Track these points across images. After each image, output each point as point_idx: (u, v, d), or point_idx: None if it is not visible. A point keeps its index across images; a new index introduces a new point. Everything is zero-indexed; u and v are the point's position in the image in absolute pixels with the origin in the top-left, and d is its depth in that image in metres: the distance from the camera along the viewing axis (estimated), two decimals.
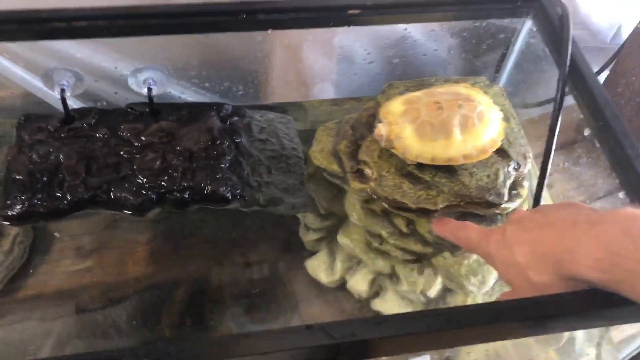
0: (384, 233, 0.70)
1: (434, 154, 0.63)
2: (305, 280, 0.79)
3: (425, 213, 0.65)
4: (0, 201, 0.62)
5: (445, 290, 0.74)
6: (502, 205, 0.65)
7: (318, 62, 0.77)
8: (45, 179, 0.63)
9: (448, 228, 0.62)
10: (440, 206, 0.64)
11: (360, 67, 0.76)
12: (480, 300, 0.73)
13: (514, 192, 0.68)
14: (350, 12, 0.63)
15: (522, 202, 0.69)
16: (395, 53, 0.74)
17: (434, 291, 0.72)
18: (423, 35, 0.73)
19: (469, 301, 0.72)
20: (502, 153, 0.68)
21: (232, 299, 0.77)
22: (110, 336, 0.73)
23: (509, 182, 0.66)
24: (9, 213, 0.61)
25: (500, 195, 0.65)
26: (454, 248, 0.70)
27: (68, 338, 0.72)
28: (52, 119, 0.68)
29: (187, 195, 0.64)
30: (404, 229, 0.69)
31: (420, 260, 0.71)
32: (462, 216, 0.67)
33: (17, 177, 0.62)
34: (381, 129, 0.64)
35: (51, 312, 0.74)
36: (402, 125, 0.63)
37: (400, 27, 0.70)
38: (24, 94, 0.73)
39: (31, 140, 0.66)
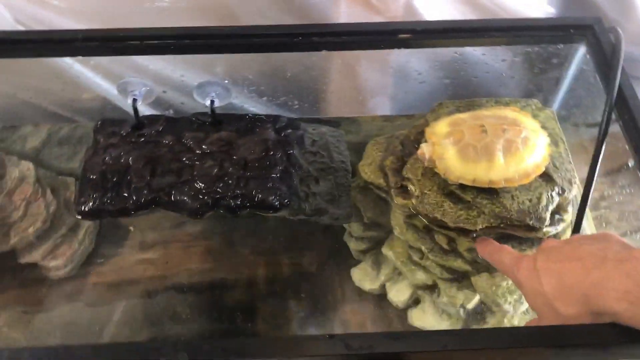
0: (424, 248, 0.72)
1: (475, 175, 0.65)
2: (350, 287, 0.82)
3: (465, 233, 0.67)
4: (75, 198, 0.69)
5: (486, 310, 0.76)
6: (544, 230, 0.66)
7: (373, 78, 0.80)
8: (115, 179, 0.70)
9: (487, 250, 0.64)
10: (480, 227, 0.65)
11: (413, 85, 0.79)
12: (517, 319, 0.74)
13: (557, 216, 0.68)
14: (401, 36, 0.66)
15: (565, 227, 0.70)
16: (445, 74, 0.76)
17: (472, 304, 0.74)
18: (474, 57, 0.74)
19: (506, 321, 0.74)
20: (546, 177, 0.68)
21: (279, 299, 0.82)
22: (166, 324, 0.80)
23: (551, 207, 0.67)
24: (82, 209, 0.68)
25: (541, 219, 0.66)
26: (492, 268, 0.71)
27: (129, 323, 0.79)
28: (125, 124, 0.75)
29: (239, 202, 0.69)
30: (445, 246, 0.71)
31: (458, 279, 0.73)
32: (502, 238, 0.68)
33: (91, 176, 0.70)
34: (424, 149, 0.66)
35: (115, 298, 0.81)
36: (445, 146, 0.65)
37: (451, 50, 0.72)
38: (103, 100, 0.80)
39: (105, 143, 0.73)
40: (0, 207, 0.75)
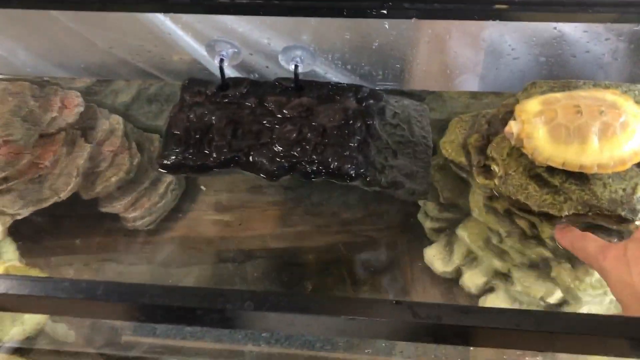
0: (502, 232, 0.69)
1: (565, 158, 0.61)
2: (420, 266, 0.80)
3: (549, 218, 0.64)
4: (159, 152, 0.71)
5: (563, 302, 0.72)
6: (637, 222, 0.61)
7: (463, 53, 0.76)
8: (197, 136, 0.71)
9: (568, 237, 0.60)
10: (566, 213, 0.62)
11: (505, 62, 0.75)
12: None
13: None
14: (498, 6, 0.63)
15: None
16: (542, 51, 0.72)
17: (554, 299, 0.70)
18: (575, 35, 0.69)
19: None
20: None
21: (348, 271, 0.81)
22: (234, 283, 0.81)
23: None
24: (165, 162, 0.70)
25: (634, 211, 0.61)
26: (575, 259, 0.67)
27: (199, 279, 0.81)
28: (211, 84, 0.76)
29: (314, 168, 0.68)
30: (527, 231, 0.68)
31: (537, 266, 0.69)
32: (589, 228, 0.64)
33: (175, 132, 0.71)
34: (512, 127, 0.63)
35: (191, 255, 0.84)
36: (535, 125, 0.62)
37: (550, 25, 0.68)
38: (192, 60, 0.82)
39: (191, 101, 0.74)
40: (90, 157, 0.78)
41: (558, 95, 0.64)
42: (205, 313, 0.45)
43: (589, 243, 0.56)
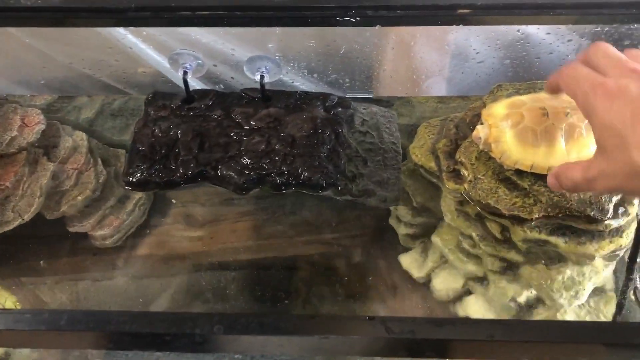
0: (475, 236, 0.69)
1: (534, 161, 0.61)
2: (396, 272, 0.80)
3: (519, 221, 0.64)
4: (124, 168, 0.70)
5: (538, 301, 0.72)
6: (605, 222, 0.62)
7: (429, 57, 0.76)
8: (163, 151, 0.70)
9: (555, 75, 0.52)
10: (536, 216, 0.62)
11: (470, 66, 0.75)
12: (570, 314, 0.70)
13: (621, 209, 0.64)
14: (460, 11, 0.63)
15: (630, 221, 0.65)
16: (506, 54, 0.72)
17: (523, 298, 0.71)
18: (538, 37, 0.70)
19: (559, 316, 0.70)
20: None
21: (322, 280, 0.81)
22: (209, 299, 0.80)
23: (615, 199, 0.62)
24: (130, 179, 0.68)
25: (603, 211, 0.61)
26: (548, 261, 0.67)
27: (172, 296, 0.80)
28: (176, 97, 0.75)
29: (284, 179, 0.67)
30: (498, 235, 0.68)
31: (511, 269, 0.70)
32: (559, 229, 0.64)
33: (140, 147, 0.70)
34: (480, 131, 0.63)
35: (161, 271, 0.82)
36: (502, 129, 0.62)
37: (513, 28, 0.68)
38: (155, 73, 0.81)
39: (156, 115, 0.73)
40: (54, 175, 0.76)
41: (524, 98, 0.64)
42: (175, 338, 0.44)
43: (580, 73, 0.47)
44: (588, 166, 0.47)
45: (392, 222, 0.82)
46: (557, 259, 0.67)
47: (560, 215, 0.62)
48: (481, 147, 0.64)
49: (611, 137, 0.43)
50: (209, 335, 0.44)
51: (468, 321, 0.44)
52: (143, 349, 0.48)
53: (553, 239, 0.64)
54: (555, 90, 0.54)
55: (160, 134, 0.71)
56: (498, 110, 0.63)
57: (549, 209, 0.62)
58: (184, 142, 0.70)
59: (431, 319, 0.44)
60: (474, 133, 0.64)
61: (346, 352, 0.45)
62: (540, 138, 0.60)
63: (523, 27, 0.68)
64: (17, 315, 0.44)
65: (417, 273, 0.78)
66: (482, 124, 0.65)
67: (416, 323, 0.44)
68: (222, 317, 0.44)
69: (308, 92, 0.76)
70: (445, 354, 0.44)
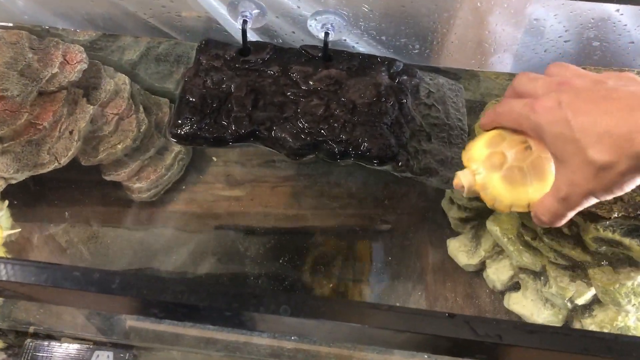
0: (539, 229, 0.64)
1: (528, 200, 0.53)
2: (442, 257, 0.76)
3: (593, 218, 0.59)
4: (171, 119, 0.65)
5: (594, 302, 0.68)
6: None
7: (505, 30, 0.70)
8: (214, 105, 0.65)
9: (489, 113, 0.53)
10: (615, 215, 0.57)
11: (552, 44, 0.69)
12: (632, 320, 0.66)
13: None
14: None
15: None
16: (596, 35, 0.66)
17: (582, 300, 0.66)
18: (637, 20, 0.63)
19: (620, 319, 0.66)
20: None
21: (362, 257, 0.77)
22: (240, 261, 0.76)
23: None
24: (178, 132, 0.63)
25: None
26: (616, 262, 0.63)
27: (201, 254, 0.76)
28: (230, 48, 0.69)
29: (342, 148, 0.63)
30: (565, 230, 0.63)
31: (573, 268, 0.65)
32: (636, 230, 0.59)
33: (191, 99, 0.65)
34: (462, 179, 0.54)
35: (194, 228, 0.78)
36: (487, 175, 0.53)
37: (611, 7, 0.62)
38: (208, 19, 0.75)
39: (208, 65, 0.68)
40: (92, 119, 0.72)
41: (502, 132, 0.57)
42: (235, 315, 0.40)
43: (513, 103, 0.49)
44: (556, 188, 0.47)
45: (444, 203, 0.77)
46: (628, 262, 0.62)
47: None
48: (465, 195, 0.57)
49: (564, 146, 0.44)
50: (271, 316, 0.40)
51: (562, 331, 0.39)
52: (198, 322, 0.44)
53: (627, 241, 0.59)
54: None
55: (212, 86, 0.66)
56: (478, 153, 0.54)
57: (630, 209, 0.57)
58: (237, 97, 0.65)
59: (520, 324, 0.40)
60: (455, 181, 0.55)
61: (423, 349, 0.41)
62: (529, 174, 0.52)
63: (624, 7, 0.62)
64: (65, 272, 0.40)
65: (465, 260, 0.74)
66: (462, 170, 0.57)
67: (502, 327, 0.39)
68: (288, 298, 0.40)
69: (373, 55, 0.70)
70: None
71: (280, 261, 0.75)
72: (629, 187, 0.44)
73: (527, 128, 0.48)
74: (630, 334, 0.65)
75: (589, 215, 0.59)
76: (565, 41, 0.68)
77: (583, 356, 0.38)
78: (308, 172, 0.82)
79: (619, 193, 0.44)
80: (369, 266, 0.76)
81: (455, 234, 0.77)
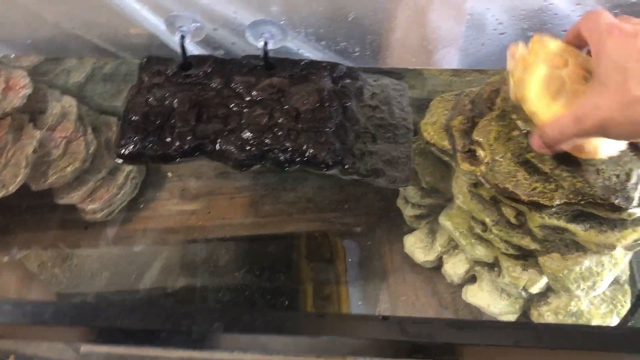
0: (488, 221, 0.65)
1: (549, 114, 0.53)
2: (400, 255, 0.76)
3: (538, 207, 0.60)
4: (116, 139, 0.65)
5: (548, 289, 0.69)
6: (630, 211, 0.58)
7: (445, 26, 0.71)
8: (158, 122, 0.65)
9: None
10: (557, 202, 0.58)
11: (490, 37, 0.70)
12: (585, 304, 0.67)
13: None
14: None
15: None
16: (531, 25, 0.67)
17: (536, 288, 0.67)
18: (568, 7, 0.64)
19: (573, 304, 0.67)
20: (639, 152, 0.60)
21: (322, 260, 0.77)
22: (200, 276, 0.76)
23: None
24: (123, 152, 0.64)
25: (628, 199, 0.57)
26: (565, 249, 0.64)
27: (167, 273, 0.76)
28: (172, 63, 0.69)
29: (288, 156, 0.63)
30: (512, 220, 0.64)
31: (524, 257, 0.66)
32: (581, 216, 0.60)
33: (134, 117, 0.65)
34: (520, 48, 0.56)
35: (151, 245, 0.78)
36: (537, 65, 0.54)
37: None
38: (150, 35, 0.75)
39: (150, 82, 0.68)
40: (40, 144, 0.71)
41: (580, 52, 0.56)
42: (170, 335, 0.40)
43: (605, 15, 0.48)
44: (580, 105, 0.48)
45: (399, 202, 0.78)
46: (575, 247, 0.63)
47: (582, 202, 0.58)
48: (508, 66, 0.57)
49: (614, 73, 0.45)
50: (207, 333, 0.40)
51: (491, 324, 0.40)
52: (136, 345, 0.44)
53: (572, 227, 0.60)
54: (573, 38, 0.53)
55: (154, 103, 0.66)
56: (551, 45, 0.54)
57: (571, 196, 0.58)
58: (180, 112, 0.65)
59: (451, 320, 0.40)
60: (512, 48, 0.56)
61: (356, 354, 0.42)
62: (566, 95, 0.53)
63: None
64: None
65: (422, 257, 0.74)
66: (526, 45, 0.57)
67: (434, 325, 0.40)
68: (222, 314, 0.40)
69: (314, 60, 0.71)
70: (462, 358, 0.41)
71: (240, 271, 0.75)
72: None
73: (594, 43, 0.48)
74: (583, 318, 0.66)
75: (533, 204, 0.60)
76: (500, 33, 0.69)
77: (513, 348, 0.39)
78: (264, 180, 0.82)
79: (626, 137, 0.46)
80: (329, 269, 0.77)
81: (412, 231, 0.78)
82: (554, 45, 0.54)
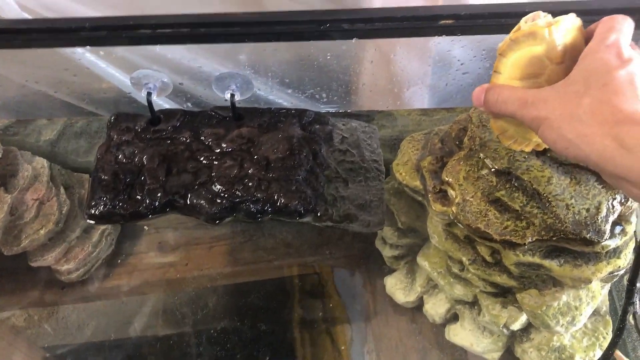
0: (465, 260, 0.65)
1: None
2: (383, 296, 0.76)
3: (511, 246, 0.60)
4: (86, 199, 0.64)
5: (530, 325, 0.68)
6: (603, 243, 0.58)
7: (410, 68, 0.72)
8: (128, 180, 0.64)
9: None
10: (529, 240, 0.58)
11: (454, 76, 0.71)
12: (567, 339, 0.67)
13: (618, 227, 0.60)
14: (443, 22, 0.58)
15: (628, 240, 0.61)
16: (493, 64, 0.67)
17: (517, 325, 0.67)
18: None
19: (555, 339, 0.66)
20: (607, 184, 0.60)
21: (304, 306, 0.76)
22: (181, 328, 0.75)
23: (612, 218, 0.59)
24: (93, 212, 0.63)
25: (600, 232, 0.57)
26: (542, 284, 0.64)
27: (148, 328, 0.75)
28: (140, 119, 0.69)
29: (260, 207, 0.63)
30: (488, 258, 0.64)
31: (503, 294, 0.66)
32: (554, 251, 0.60)
33: (103, 177, 0.64)
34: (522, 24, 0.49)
35: (136, 302, 0.77)
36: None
37: (500, 37, 0.63)
38: (119, 91, 0.75)
39: (119, 140, 0.68)
40: (12, 208, 0.71)
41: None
42: None
43: (615, 33, 0.45)
44: (534, 92, 0.46)
45: (377, 243, 0.77)
46: (552, 283, 0.63)
47: (554, 238, 0.58)
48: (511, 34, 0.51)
49: (580, 82, 0.43)
50: None
51: None
52: None
53: (547, 263, 0.60)
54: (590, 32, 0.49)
55: (124, 161, 0.66)
56: (565, 37, 0.49)
57: (543, 232, 0.58)
58: (149, 169, 0.65)
59: None
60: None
61: None
62: (531, 82, 0.50)
63: None
64: None
65: (403, 298, 0.74)
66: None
67: None
68: None
69: (283, 108, 0.71)
70: None
71: (222, 322, 0.74)
72: (563, 150, 0.43)
73: (594, 42, 0.45)
74: (566, 353, 0.65)
75: (506, 243, 0.59)
76: (463, 73, 0.70)
77: None
78: (242, 228, 0.82)
79: (551, 146, 0.44)
80: (312, 314, 0.76)
81: (392, 271, 0.77)
82: (568, 37, 0.49)
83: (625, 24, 0.46)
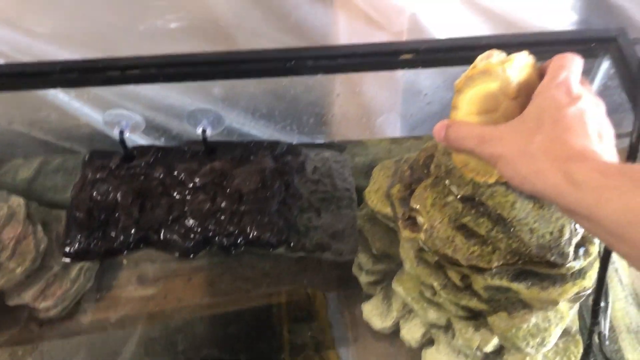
0: (436, 285, 0.66)
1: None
2: (360, 322, 0.77)
3: (478, 270, 0.61)
4: (62, 237, 0.65)
5: (502, 347, 0.69)
6: (567, 265, 0.60)
7: (379, 98, 0.74)
8: (102, 217, 0.66)
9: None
10: (495, 264, 0.59)
11: (421, 105, 0.73)
12: (540, 359, 0.68)
13: (582, 249, 0.62)
14: (404, 57, 0.60)
15: (592, 261, 0.63)
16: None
17: (490, 347, 0.68)
18: None
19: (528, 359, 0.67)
20: None
21: (284, 334, 0.77)
22: None
23: (575, 240, 0.60)
24: (69, 250, 0.64)
25: (563, 255, 0.59)
26: (511, 307, 0.65)
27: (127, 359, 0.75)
28: (115, 156, 0.71)
29: (232, 240, 0.64)
30: (458, 283, 0.65)
31: (475, 318, 0.67)
32: (521, 274, 0.62)
33: (78, 214, 0.66)
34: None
35: (113, 337, 0.77)
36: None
37: (462, 69, 0.66)
38: (94, 129, 0.76)
39: (93, 178, 0.69)
40: None
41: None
42: None
43: (566, 73, 0.47)
44: (491, 129, 0.47)
45: (354, 269, 0.78)
46: (521, 305, 0.64)
47: (520, 262, 0.59)
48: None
49: (533, 119, 0.45)
50: None
51: None
52: None
53: (515, 286, 0.61)
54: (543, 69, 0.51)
55: (99, 198, 0.67)
56: (520, 73, 0.51)
57: (508, 257, 0.59)
58: (123, 205, 0.66)
59: None
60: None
61: None
62: (487, 118, 0.51)
63: None
64: None
65: (380, 323, 0.75)
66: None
67: None
68: None
69: (255, 140, 0.72)
70: None
71: (201, 354, 0.75)
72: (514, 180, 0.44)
73: (546, 79, 0.47)
74: None
75: (473, 268, 0.61)
76: (427, 103, 0.72)
77: None
78: (220, 259, 0.83)
79: (509, 181, 0.45)
80: (290, 343, 0.76)
81: (370, 297, 0.78)
82: (522, 73, 0.51)
83: (574, 62, 0.48)
